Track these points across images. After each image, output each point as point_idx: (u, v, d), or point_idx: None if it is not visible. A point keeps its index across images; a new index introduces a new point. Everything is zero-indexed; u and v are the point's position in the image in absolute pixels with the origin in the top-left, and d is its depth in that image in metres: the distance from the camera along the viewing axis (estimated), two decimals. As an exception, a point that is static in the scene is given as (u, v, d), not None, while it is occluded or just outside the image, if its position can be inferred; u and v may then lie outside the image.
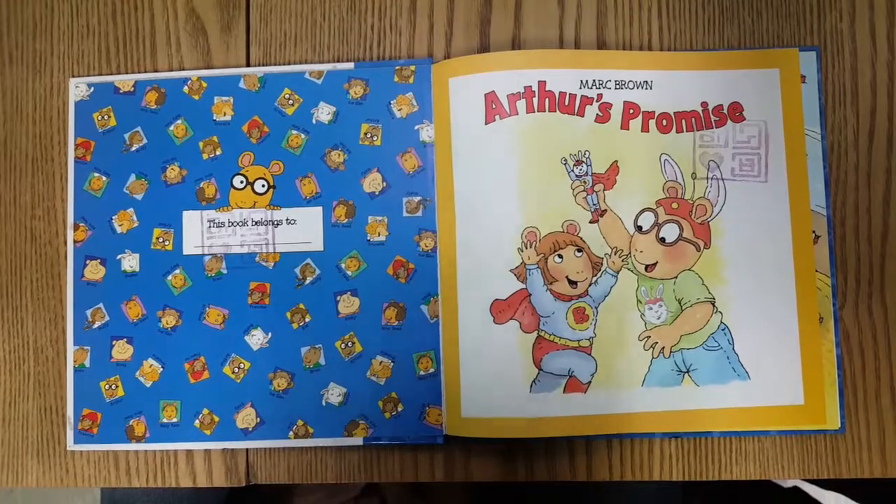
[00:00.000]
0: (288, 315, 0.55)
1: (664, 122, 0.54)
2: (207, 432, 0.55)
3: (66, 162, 0.58)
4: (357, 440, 0.54)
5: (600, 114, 0.54)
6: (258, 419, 0.55)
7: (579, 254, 0.53)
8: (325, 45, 0.58)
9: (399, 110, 0.56)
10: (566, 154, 0.54)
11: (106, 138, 0.57)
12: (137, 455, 0.56)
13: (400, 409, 0.54)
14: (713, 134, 0.54)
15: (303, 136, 0.56)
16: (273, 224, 0.56)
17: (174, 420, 0.55)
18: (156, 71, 0.58)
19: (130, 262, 0.56)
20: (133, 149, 0.57)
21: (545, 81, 0.54)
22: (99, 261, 0.56)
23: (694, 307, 0.53)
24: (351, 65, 0.57)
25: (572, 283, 0.53)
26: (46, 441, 0.56)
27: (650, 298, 0.53)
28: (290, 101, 0.56)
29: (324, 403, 0.54)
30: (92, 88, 0.58)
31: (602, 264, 0.53)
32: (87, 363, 0.56)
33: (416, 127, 0.55)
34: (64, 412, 0.56)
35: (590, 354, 0.53)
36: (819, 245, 0.53)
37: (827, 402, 0.52)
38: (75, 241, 0.57)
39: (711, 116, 0.54)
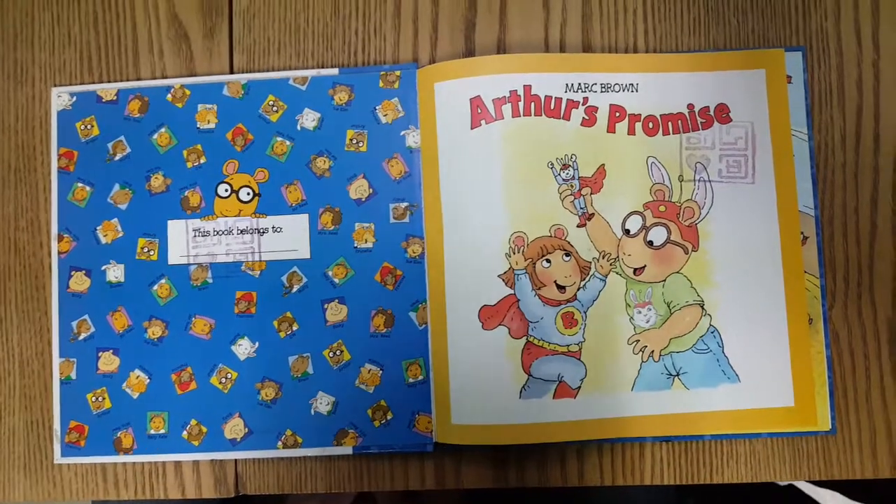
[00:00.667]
0: (275, 324, 0.54)
1: (650, 125, 0.54)
2: (195, 443, 0.54)
3: (50, 172, 0.57)
4: (346, 449, 0.53)
5: (586, 117, 0.54)
6: (246, 429, 0.54)
7: (567, 258, 0.53)
8: (309, 51, 0.57)
9: (384, 116, 0.55)
10: (553, 158, 0.53)
11: (89, 148, 0.57)
12: (125, 467, 0.55)
13: (389, 417, 0.53)
14: (700, 136, 0.54)
15: (288, 142, 0.56)
16: (259, 232, 0.55)
17: (162, 431, 0.54)
18: (138, 79, 0.58)
19: (115, 272, 0.56)
20: (116, 158, 0.56)
21: (530, 85, 0.53)
22: (84, 272, 0.56)
23: (683, 310, 0.53)
24: (335, 70, 0.56)
25: (560, 287, 0.53)
26: (33, 454, 0.56)
27: (639, 302, 0.53)
28: (275, 108, 0.56)
29: (312, 412, 0.54)
30: (74, 98, 0.57)
31: (590, 268, 0.53)
32: (73, 375, 0.55)
33: (402, 132, 0.55)
34: (50, 425, 0.56)
35: (579, 359, 0.52)
36: (807, 246, 0.53)
37: (817, 404, 0.52)
38: (59, 253, 0.56)
39: (698, 118, 0.54)
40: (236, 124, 0.56)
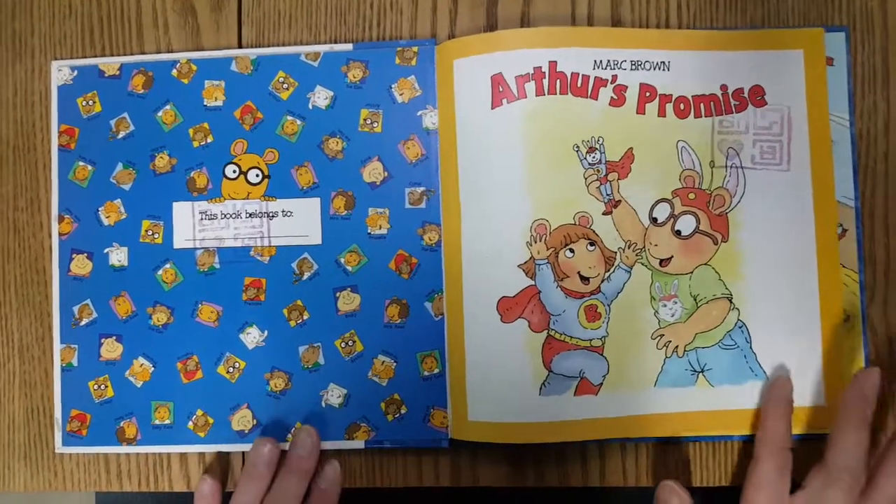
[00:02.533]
0: (285, 312, 0.52)
1: (682, 106, 0.51)
2: (202, 434, 0.52)
3: (50, 150, 0.54)
4: (358, 443, 0.51)
5: (615, 97, 0.51)
6: (255, 421, 0.52)
7: (592, 248, 0.50)
8: (321, 24, 0.54)
9: (401, 95, 0.52)
10: (578, 140, 0.50)
11: (91, 125, 0.54)
12: (129, 458, 0.54)
13: (403, 411, 0.51)
14: (733, 119, 0.51)
15: (299, 122, 0.53)
16: (268, 216, 0.53)
17: (167, 421, 0.52)
18: (143, 53, 0.55)
19: (118, 255, 0.53)
20: (120, 136, 0.54)
21: (556, 62, 0.50)
22: (85, 255, 0.54)
23: (710, 304, 0.50)
24: (349, 46, 0.53)
25: (584, 278, 0.50)
26: (34, 443, 0.54)
27: (664, 295, 0.50)
28: (285, 85, 0.53)
29: (323, 405, 0.52)
30: (75, 72, 0.54)
31: (615, 259, 0.50)
32: (74, 362, 0.53)
33: (419, 112, 0.52)
34: (51, 413, 0.54)
35: (601, 354, 0.50)
36: (846, 239, 0.51)
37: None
38: (60, 234, 0.54)
39: (731, 101, 0.51)
40: (245, 102, 0.53)
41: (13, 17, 0.56)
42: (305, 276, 0.52)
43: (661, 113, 0.51)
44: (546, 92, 0.50)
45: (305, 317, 0.52)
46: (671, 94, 0.51)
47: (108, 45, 0.55)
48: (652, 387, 0.50)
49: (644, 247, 0.50)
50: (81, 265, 0.54)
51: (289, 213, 0.53)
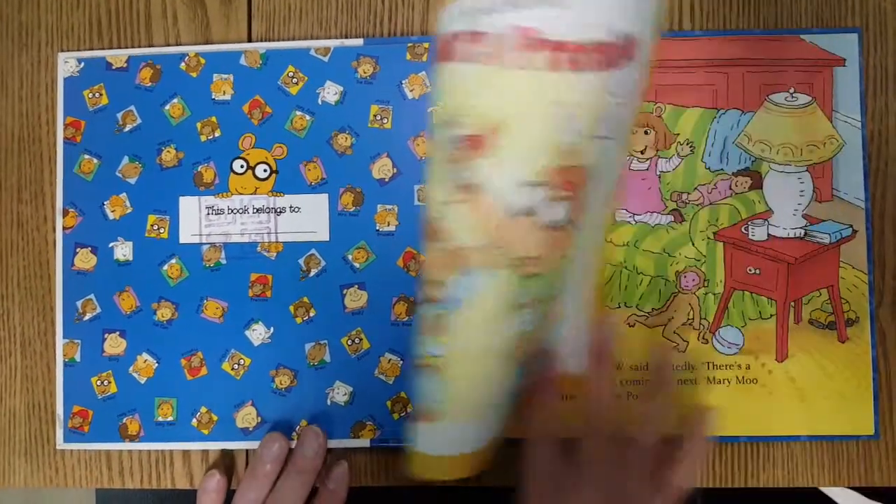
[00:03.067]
0: (291, 309, 0.52)
1: (576, 57, 0.35)
2: (205, 432, 0.52)
3: (55, 143, 0.54)
4: (364, 442, 0.51)
5: (489, 52, 0.36)
6: (259, 419, 0.52)
7: (435, 246, 0.40)
8: (332, 19, 0.54)
9: (411, 91, 0.52)
10: (439, 120, 0.39)
11: (97, 118, 0.53)
12: (131, 455, 0.53)
13: (409, 409, 0.51)
14: (616, 76, 0.36)
15: (308, 117, 0.52)
16: (275, 212, 0.52)
17: (170, 418, 0.52)
18: (151, 46, 0.54)
19: (123, 250, 0.53)
20: (126, 129, 0.53)
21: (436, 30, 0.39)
22: (90, 249, 0.53)
23: (555, 303, 0.43)
24: (360, 41, 0.53)
25: (426, 283, 0.41)
26: (35, 439, 0.53)
27: (523, 302, 0.40)
28: (295, 80, 0.53)
29: (329, 403, 0.51)
30: (82, 64, 0.54)
31: (466, 259, 0.39)
32: (77, 357, 0.53)
33: (430, 109, 0.52)
34: (53, 409, 0.53)
35: (438, 377, 0.42)
36: (856, 240, 0.50)
37: (861, 406, 0.50)
38: (64, 228, 0.53)
39: (621, 52, 0.36)
40: (253, 96, 0.53)
41: (20, 8, 0.55)
42: (312, 273, 0.52)
43: (553, 65, 0.35)
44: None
45: (312, 314, 0.52)
46: (564, 40, 0.35)
47: (116, 37, 0.55)
48: (500, 403, 0.44)
49: (506, 244, 0.38)
50: (85, 259, 0.53)
51: (296, 209, 0.52)
